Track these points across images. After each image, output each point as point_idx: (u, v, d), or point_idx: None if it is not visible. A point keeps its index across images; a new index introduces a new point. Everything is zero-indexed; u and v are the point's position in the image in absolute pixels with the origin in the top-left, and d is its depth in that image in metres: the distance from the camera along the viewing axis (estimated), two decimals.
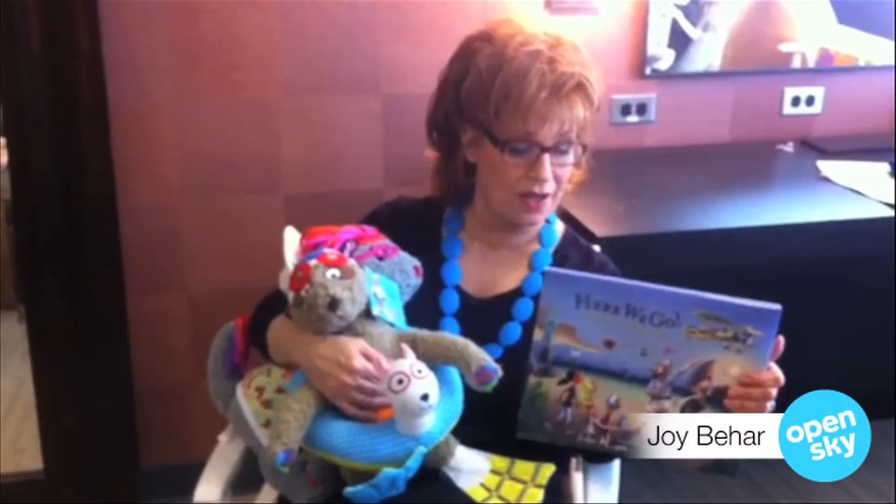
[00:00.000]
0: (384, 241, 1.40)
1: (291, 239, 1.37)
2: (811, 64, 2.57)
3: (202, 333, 1.63)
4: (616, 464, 1.47)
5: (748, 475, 2.57)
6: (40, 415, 2.28)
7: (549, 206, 1.42)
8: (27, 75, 2.04)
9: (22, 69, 2.03)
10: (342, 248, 1.36)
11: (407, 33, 2.25)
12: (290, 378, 1.35)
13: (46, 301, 2.19)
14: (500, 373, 1.25)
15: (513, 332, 1.43)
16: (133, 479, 2.34)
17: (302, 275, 1.27)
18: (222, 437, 1.56)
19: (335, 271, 1.26)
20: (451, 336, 1.31)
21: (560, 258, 1.49)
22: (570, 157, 1.39)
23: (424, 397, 1.20)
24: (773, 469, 2.59)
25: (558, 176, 1.39)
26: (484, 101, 1.36)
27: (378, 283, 1.32)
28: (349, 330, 1.29)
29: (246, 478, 1.55)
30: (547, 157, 1.36)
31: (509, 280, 1.47)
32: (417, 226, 1.50)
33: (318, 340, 1.28)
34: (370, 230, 1.42)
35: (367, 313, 1.30)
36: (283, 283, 1.34)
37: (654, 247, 1.95)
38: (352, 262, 1.30)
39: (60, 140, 2.10)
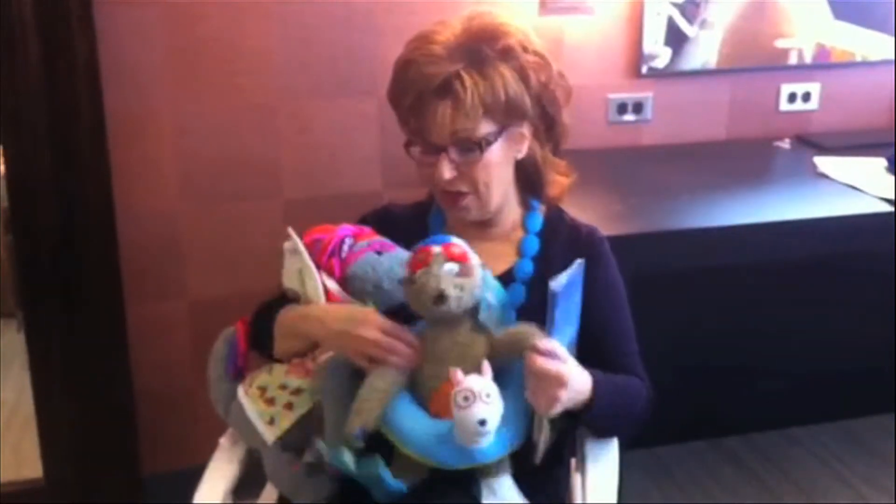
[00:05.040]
0: (381, 239, 1.43)
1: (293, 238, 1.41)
2: (807, 60, 2.57)
3: (203, 339, 1.62)
4: (615, 464, 1.47)
5: (753, 472, 2.57)
6: (40, 422, 2.28)
7: (472, 203, 1.42)
8: (24, 83, 2.03)
9: (19, 77, 2.03)
10: (340, 244, 1.38)
11: (403, 36, 2.21)
12: (294, 375, 1.38)
13: (45, 309, 2.19)
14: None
15: (508, 318, 1.42)
16: (134, 485, 2.34)
17: (423, 257, 1.28)
18: (223, 440, 1.56)
19: (454, 266, 1.27)
20: (516, 327, 1.31)
21: (548, 239, 1.50)
22: (478, 155, 1.37)
23: (482, 422, 1.20)
24: (780, 468, 2.59)
25: (468, 174, 1.39)
26: (392, 107, 1.43)
27: (493, 290, 1.32)
28: (449, 323, 1.29)
29: (247, 481, 1.55)
30: (444, 157, 1.37)
31: (498, 266, 1.47)
32: (405, 229, 1.51)
33: (332, 308, 1.35)
34: (367, 229, 1.45)
35: (472, 315, 1.30)
36: (287, 280, 1.39)
37: (652, 246, 1.94)
38: (474, 262, 1.29)
39: (59, 148, 2.09)
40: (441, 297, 1.25)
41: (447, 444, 1.24)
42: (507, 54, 1.37)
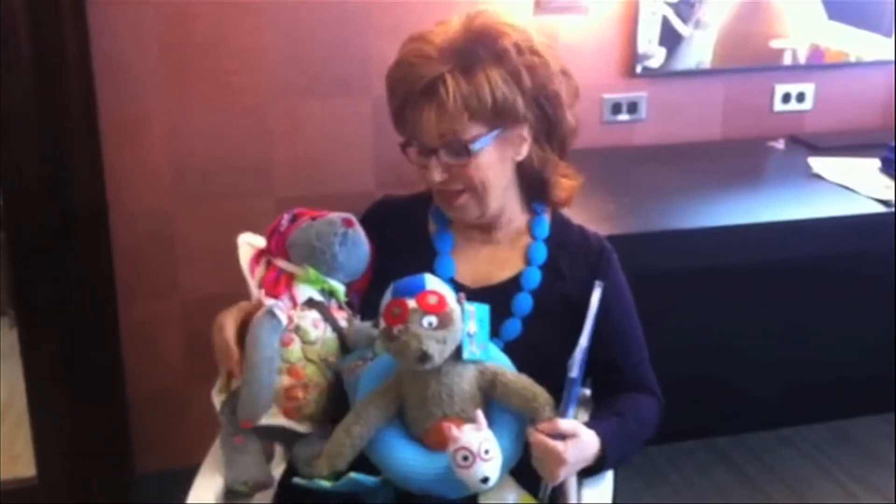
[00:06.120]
0: (323, 212, 1.47)
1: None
2: (801, 60, 2.58)
3: (195, 338, 1.63)
4: None
5: (745, 472, 2.57)
6: (33, 421, 2.27)
7: (469, 202, 1.41)
8: (16, 82, 2.03)
9: (11, 75, 2.02)
10: (279, 223, 1.45)
11: (397, 35, 2.20)
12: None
13: (38, 306, 2.18)
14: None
15: (513, 328, 1.43)
16: (127, 484, 2.33)
17: (398, 312, 1.23)
18: (220, 437, 1.56)
19: (433, 319, 1.23)
20: (531, 386, 1.29)
21: (556, 247, 1.49)
22: (465, 158, 1.37)
23: (485, 480, 1.20)
24: (772, 468, 2.59)
25: (461, 175, 1.38)
26: (389, 107, 1.44)
27: (473, 315, 1.29)
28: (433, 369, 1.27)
29: None
30: (434, 159, 1.37)
31: (504, 272, 1.47)
32: (405, 222, 1.51)
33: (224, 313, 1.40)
34: (320, 212, 1.47)
35: (456, 354, 1.27)
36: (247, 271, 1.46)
37: (646, 246, 1.95)
38: (450, 306, 1.25)
39: (50, 146, 2.09)
40: (424, 357, 1.22)
41: (446, 479, 1.23)
42: (499, 56, 1.36)
